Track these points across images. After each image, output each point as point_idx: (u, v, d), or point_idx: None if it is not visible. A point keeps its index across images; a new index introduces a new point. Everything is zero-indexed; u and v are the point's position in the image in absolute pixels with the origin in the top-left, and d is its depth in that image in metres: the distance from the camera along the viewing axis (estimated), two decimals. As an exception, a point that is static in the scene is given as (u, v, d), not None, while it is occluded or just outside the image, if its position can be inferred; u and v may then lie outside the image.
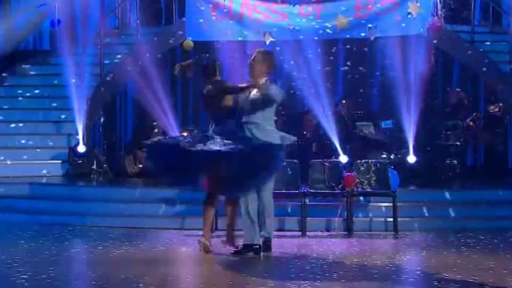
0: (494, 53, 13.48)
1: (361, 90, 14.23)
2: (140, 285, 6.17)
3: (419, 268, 7.02)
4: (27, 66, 14.48)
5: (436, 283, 6.26)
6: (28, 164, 12.30)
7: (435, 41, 13.02)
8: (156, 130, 12.78)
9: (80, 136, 12.42)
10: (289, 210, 9.87)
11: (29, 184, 11.12)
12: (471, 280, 6.38)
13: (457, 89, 13.31)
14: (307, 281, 6.34)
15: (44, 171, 12.19)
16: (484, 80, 13.45)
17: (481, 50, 13.31)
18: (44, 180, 11.71)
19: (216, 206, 7.92)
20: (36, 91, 13.74)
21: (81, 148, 12.30)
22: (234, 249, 7.83)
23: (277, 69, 14.46)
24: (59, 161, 12.48)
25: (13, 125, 12.97)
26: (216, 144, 7.46)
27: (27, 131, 12.87)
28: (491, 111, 12.96)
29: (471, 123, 12.73)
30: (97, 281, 6.39)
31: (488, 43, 13.76)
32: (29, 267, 6.93)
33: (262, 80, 7.79)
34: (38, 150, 12.59)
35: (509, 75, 12.94)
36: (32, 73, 14.41)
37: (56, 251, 8.01)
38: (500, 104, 12.93)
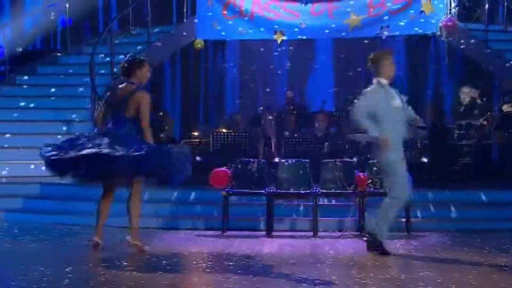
0: (508, 51, 13.36)
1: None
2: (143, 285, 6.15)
3: (431, 269, 6.93)
4: (38, 65, 14.47)
5: (449, 284, 6.19)
6: (38, 164, 12.24)
7: (448, 40, 12.93)
8: (166, 128, 12.76)
9: (91, 136, 12.37)
10: (301, 210, 9.82)
11: (40, 184, 11.07)
12: (483, 281, 6.31)
13: (471, 88, 13.19)
14: (319, 282, 6.28)
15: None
16: (498, 79, 13.32)
17: (495, 48, 13.19)
18: (54, 180, 11.65)
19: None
20: (47, 91, 13.68)
21: (92, 148, 12.24)
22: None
23: (288, 68, 14.51)
24: (70, 161, 12.42)
25: (24, 125, 12.93)
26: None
27: (38, 131, 12.81)
28: (505, 110, 12.82)
29: (484, 123, 12.60)
30: (100, 281, 6.36)
31: (502, 41, 13.64)
32: (37, 267, 6.89)
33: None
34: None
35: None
36: (43, 72, 14.38)
37: (66, 250, 8.00)
38: (514, 103, 12.81)
